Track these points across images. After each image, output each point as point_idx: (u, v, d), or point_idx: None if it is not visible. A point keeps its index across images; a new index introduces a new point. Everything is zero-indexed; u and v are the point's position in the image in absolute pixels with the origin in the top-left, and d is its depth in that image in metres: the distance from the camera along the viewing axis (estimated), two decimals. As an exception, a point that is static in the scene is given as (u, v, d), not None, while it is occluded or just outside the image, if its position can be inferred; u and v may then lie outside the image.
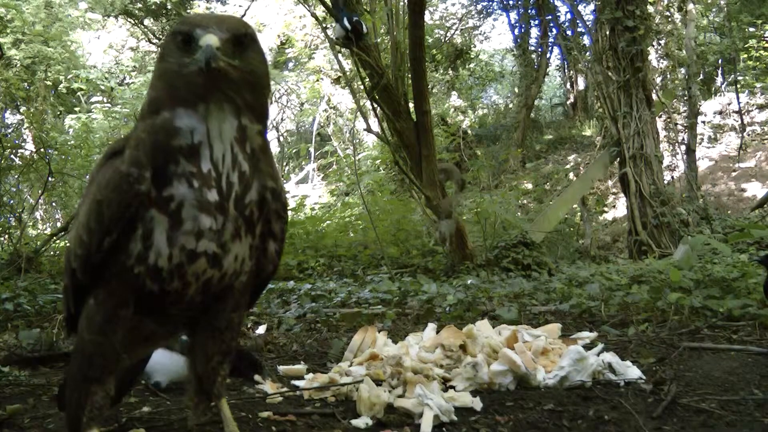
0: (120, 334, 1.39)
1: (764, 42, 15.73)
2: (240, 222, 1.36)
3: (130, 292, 1.35)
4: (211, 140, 1.31)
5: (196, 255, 1.33)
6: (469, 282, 5.24)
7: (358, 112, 9.73)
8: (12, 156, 9.16)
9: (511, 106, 21.71)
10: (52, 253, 7.49)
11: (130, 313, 1.38)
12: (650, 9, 11.95)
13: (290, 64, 21.16)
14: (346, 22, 6.65)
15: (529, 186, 15.85)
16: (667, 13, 14.26)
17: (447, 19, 21.33)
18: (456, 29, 21.07)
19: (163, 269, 1.32)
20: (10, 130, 12.33)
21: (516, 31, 20.52)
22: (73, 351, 1.52)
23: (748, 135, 15.78)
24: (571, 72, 21.03)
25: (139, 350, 1.62)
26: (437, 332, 2.61)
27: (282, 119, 22.15)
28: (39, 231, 10.72)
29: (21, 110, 13.68)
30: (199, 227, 1.31)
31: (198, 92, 1.29)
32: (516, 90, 20.53)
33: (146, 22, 22.05)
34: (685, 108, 14.10)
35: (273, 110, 21.10)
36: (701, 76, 17.47)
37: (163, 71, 1.33)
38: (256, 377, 2.27)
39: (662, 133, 12.26)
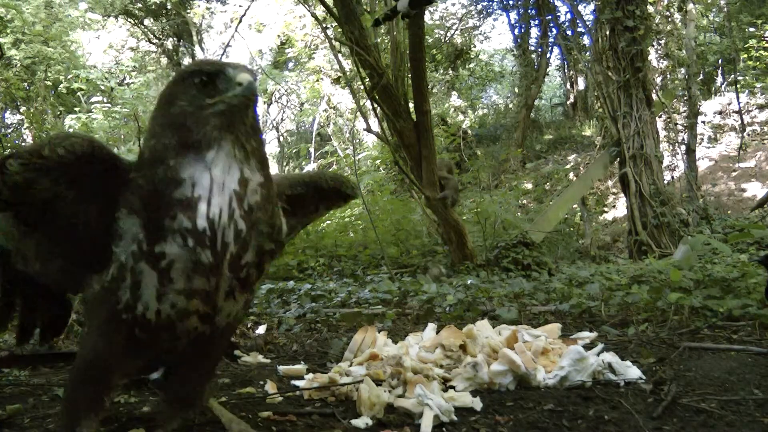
0: (111, 362, 1.39)
1: (764, 42, 15.73)
2: (234, 283, 1.32)
3: (119, 332, 1.34)
4: (212, 194, 1.26)
5: (187, 313, 1.30)
6: (469, 282, 5.24)
7: (358, 112, 9.74)
8: (12, 156, 9.15)
9: (511, 106, 21.71)
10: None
11: (120, 349, 1.37)
12: (650, 9, 11.96)
13: (290, 64, 21.17)
14: None
15: (529, 186, 15.86)
16: (667, 13, 14.25)
17: (447, 19, 21.34)
18: (456, 29, 21.09)
19: (151, 321, 1.30)
20: (10, 130, 12.33)
21: (516, 31, 20.55)
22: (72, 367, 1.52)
23: (748, 135, 15.78)
24: (571, 72, 21.04)
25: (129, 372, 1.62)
26: (437, 332, 2.61)
27: (282, 119, 22.17)
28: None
29: (21, 110, 13.68)
30: (191, 288, 1.27)
31: (213, 135, 1.27)
32: (516, 90, 20.54)
33: (146, 22, 22.07)
34: (685, 108, 14.10)
35: (273, 110, 21.13)
36: (701, 76, 17.48)
37: (175, 115, 1.30)
38: (236, 352, 2.26)
39: (662, 133, 12.26)
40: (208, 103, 1.29)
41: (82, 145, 1.32)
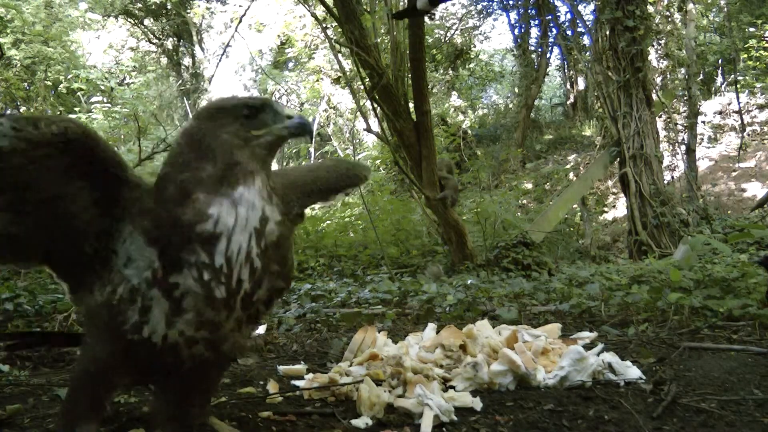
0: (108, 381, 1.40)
1: (764, 42, 15.73)
2: (243, 317, 1.34)
3: (122, 349, 1.33)
4: (233, 232, 1.26)
5: (194, 341, 1.31)
6: (469, 282, 5.24)
7: (358, 112, 9.74)
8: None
9: (511, 106, 21.71)
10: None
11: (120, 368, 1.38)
12: (650, 9, 11.95)
13: (290, 64, 21.18)
14: None
15: (529, 186, 15.87)
16: (667, 13, 14.26)
17: (447, 19, 21.34)
18: (456, 29, 21.09)
19: (157, 344, 1.29)
20: (10, 130, 12.29)
21: (516, 31, 20.55)
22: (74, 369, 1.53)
23: (748, 135, 15.79)
24: (571, 72, 21.05)
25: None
26: (437, 332, 2.61)
27: (282, 119, 22.14)
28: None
29: (21, 110, 13.67)
30: (201, 319, 1.28)
31: (250, 168, 1.30)
32: (516, 90, 20.54)
33: (146, 22, 22.07)
34: (685, 108, 14.11)
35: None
36: (701, 76, 17.48)
37: (217, 147, 1.30)
38: None
39: (662, 133, 12.27)
40: (254, 135, 1.32)
41: (76, 131, 1.29)
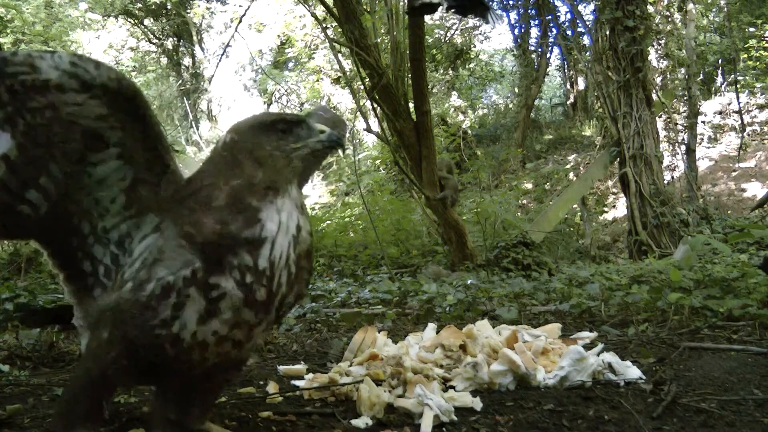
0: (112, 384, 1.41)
1: (764, 42, 15.74)
2: (273, 320, 1.40)
3: (143, 345, 1.33)
4: (277, 237, 1.32)
5: (224, 339, 1.33)
6: (469, 282, 5.24)
7: (358, 112, 9.74)
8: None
9: (511, 106, 21.72)
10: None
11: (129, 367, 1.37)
12: (650, 9, 11.96)
13: (290, 64, 21.18)
14: None
15: (529, 186, 15.87)
16: (667, 13, 14.26)
17: (447, 19, 21.33)
18: (456, 29, 21.08)
19: (184, 341, 1.31)
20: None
21: (516, 31, 20.54)
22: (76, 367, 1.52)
23: (748, 135, 15.79)
24: (571, 72, 21.04)
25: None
26: (437, 332, 2.61)
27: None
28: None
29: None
30: (237, 320, 1.31)
31: (289, 179, 1.39)
32: (516, 90, 20.55)
33: (146, 22, 22.07)
34: (685, 108, 14.11)
35: (272, 110, 21.11)
36: (701, 76, 17.49)
37: (263, 158, 1.37)
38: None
39: (662, 133, 12.27)
40: (293, 148, 1.40)
41: (130, 86, 1.33)
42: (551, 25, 18.38)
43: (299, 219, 1.37)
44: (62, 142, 1.38)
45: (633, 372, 2.19)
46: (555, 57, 21.51)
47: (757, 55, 15.79)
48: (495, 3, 21.17)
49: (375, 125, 8.24)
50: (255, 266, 1.29)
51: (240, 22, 20.72)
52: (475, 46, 22.00)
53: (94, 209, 1.45)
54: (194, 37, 22.90)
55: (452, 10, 6.22)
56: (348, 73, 10.82)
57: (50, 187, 1.41)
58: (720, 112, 17.01)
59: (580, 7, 16.17)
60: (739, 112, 15.66)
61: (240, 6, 20.67)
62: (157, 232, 1.37)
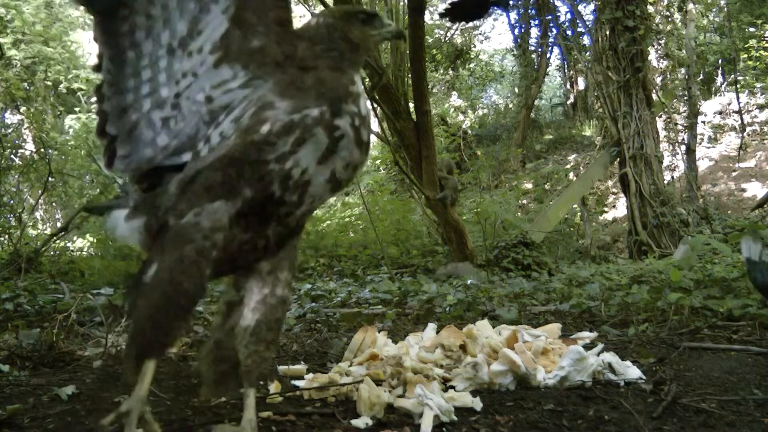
0: (219, 236, 1.46)
1: (764, 42, 15.74)
2: (365, 160, 1.64)
3: (251, 186, 1.47)
4: (361, 95, 1.62)
5: (332, 180, 1.54)
6: (469, 282, 5.24)
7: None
8: (12, 156, 9.17)
9: (511, 106, 21.71)
10: (52, 253, 7.49)
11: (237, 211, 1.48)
12: (650, 9, 11.96)
13: (290, 64, 21.13)
14: None
15: (529, 186, 15.86)
16: (667, 13, 14.27)
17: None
18: (456, 29, 21.07)
19: (293, 178, 1.48)
20: (10, 130, 12.32)
21: (516, 31, 20.53)
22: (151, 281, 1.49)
23: (748, 135, 15.79)
24: (571, 72, 21.04)
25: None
26: (437, 332, 2.61)
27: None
28: (39, 231, 10.72)
29: (21, 110, 13.69)
30: (348, 160, 1.55)
31: (361, 58, 1.71)
32: (516, 90, 20.54)
33: (146, 22, 22.02)
34: (685, 108, 14.11)
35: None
36: (701, 76, 17.48)
37: (355, 37, 1.66)
38: None
39: (662, 133, 12.27)
40: (371, 33, 1.71)
41: None
42: (551, 25, 18.37)
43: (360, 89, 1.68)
44: None
45: (633, 372, 2.19)
46: (555, 57, 21.52)
47: (757, 55, 15.78)
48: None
49: (375, 125, 8.24)
50: (359, 112, 1.56)
51: (240, 22, 20.67)
52: (475, 46, 22.00)
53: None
54: (194, 37, 22.85)
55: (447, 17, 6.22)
56: (348, 73, 10.80)
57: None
58: (720, 112, 17.01)
59: (580, 7, 16.17)
60: (739, 112, 15.66)
61: (240, 6, 20.67)
62: (251, 87, 1.56)
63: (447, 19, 6.66)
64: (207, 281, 1.48)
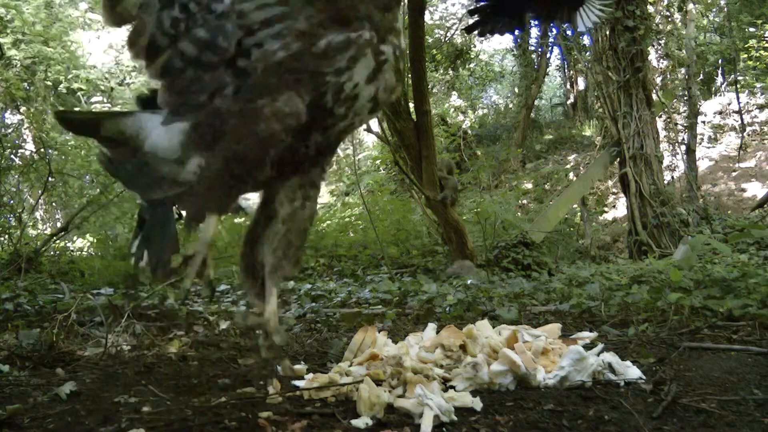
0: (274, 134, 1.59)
1: (764, 42, 15.73)
2: (399, 88, 1.80)
3: (307, 94, 1.59)
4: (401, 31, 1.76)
5: (373, 100, 1.68)
6: (469, 282, 5.24)
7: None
8: (12, 156, 9.17)
9: (511, 106, 21.71)
10: (52, 253, 7.48)
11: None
12: (650, 9, 11.96)
13: (290, 64, 21.12)
14: None
15: (529, 186, 15.86)
16: (667, 13, 14.26)
17: (447, 19, 21.33)
18: (456, 29, 21.07)
19: (343, 92, 1.62)
20: (10, 130, 12.33)
21: (516, 31, 20.51)
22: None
23: (748, 135, 15.79)
24: (571, 72, 21.04)
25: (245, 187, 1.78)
26: (437, 332, 2.61)
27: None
28: (39, 231, 10.72)
29: (21, 110, 13.68)
30: (389, 83, 1.70)
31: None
32: (516, 90, 20.54)
33: (146, 22, 22.01)
34: (685, 108, 14.11)
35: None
36: (701, 76, 17.48)
37: None
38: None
39: (662, 133, 12.27)
40: None
41: None
42: (551, 25, 18.37)
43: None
44: None
45: (633, 372, 2.19)
46: (555, 57, 21.52)
47: (757, 55, 15.78)
48: (495, 3, 21.18)
49: (375, 125, 8.24)
50: (399, 45, 1.74)
51: (240, 22, 20.67)
52: (475, 46, 21.99)
53: None
54: (194, 37, 22.85)
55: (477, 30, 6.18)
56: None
57: None
58: (720, 112, 17.01)
59: (580, 7, 16.14)
60: (739, 112, 15.66)
61: (240, 6, 20.66)
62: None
63: (475, 33, 6.66)
64: (267, 165, 1.62)
